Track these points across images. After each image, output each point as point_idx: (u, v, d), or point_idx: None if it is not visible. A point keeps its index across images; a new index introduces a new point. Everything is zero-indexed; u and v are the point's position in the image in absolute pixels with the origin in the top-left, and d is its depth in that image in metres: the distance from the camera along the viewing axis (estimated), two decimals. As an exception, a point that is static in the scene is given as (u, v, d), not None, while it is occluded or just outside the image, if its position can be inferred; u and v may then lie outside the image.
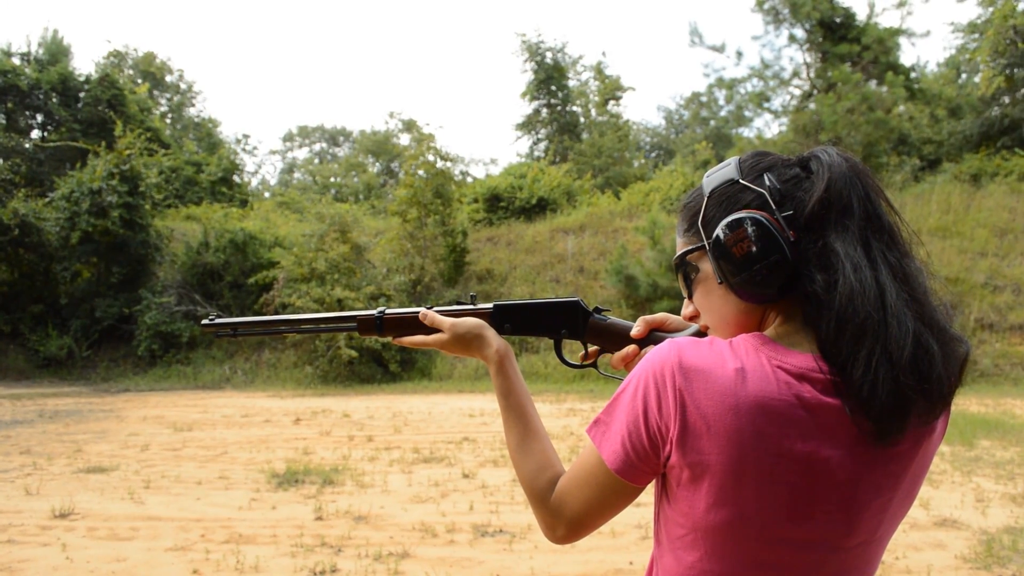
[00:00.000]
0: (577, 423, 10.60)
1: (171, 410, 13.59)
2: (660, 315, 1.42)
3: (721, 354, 0.97)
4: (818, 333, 0.97)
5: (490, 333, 1.38)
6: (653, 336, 1.39)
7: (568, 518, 1.09)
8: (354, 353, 17.06)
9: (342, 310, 17.85)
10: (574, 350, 1.47)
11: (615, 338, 1.43)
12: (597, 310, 1.45)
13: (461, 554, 5.03)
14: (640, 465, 1.00)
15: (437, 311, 1.45)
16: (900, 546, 5.05)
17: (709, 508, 0.97)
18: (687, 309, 1.20)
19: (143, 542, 5.37)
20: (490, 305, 1.46)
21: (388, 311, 1.50)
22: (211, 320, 1.58)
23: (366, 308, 18.00)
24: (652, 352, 1.01)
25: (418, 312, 1.46)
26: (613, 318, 1.44)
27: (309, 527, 5.69)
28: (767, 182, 1.04)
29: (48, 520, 5.97)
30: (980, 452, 8.22)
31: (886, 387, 0.91)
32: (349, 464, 8.00)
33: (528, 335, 1.47)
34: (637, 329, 1.40)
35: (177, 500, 6.59)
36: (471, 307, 1.46)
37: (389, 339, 1.51)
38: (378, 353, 17.82)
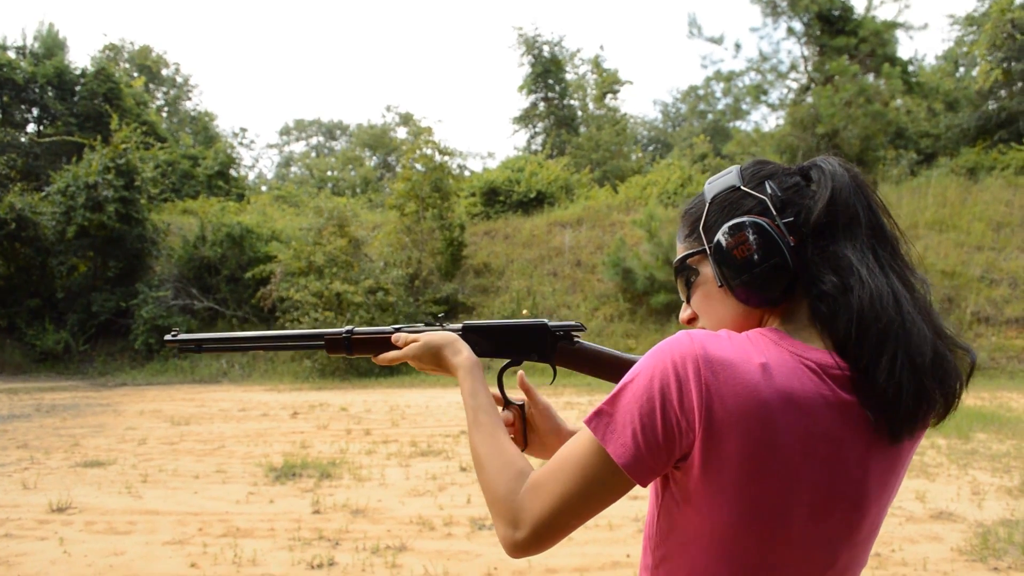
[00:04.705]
0: (574, 416, 10.60)
1: (168, 404, 13.59)
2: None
3: (744, 347, 0.95)
4: (833, 334, 0.97)
5: (461, 343, 1.38)
6: (606, 355, 1.40)
7: (538, 515, 1.00)
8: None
9: (340, 304, 17.94)
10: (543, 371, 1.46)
11: (584, 362, 1.42)
12: (568, 334, 1.43)
13: (459, 547, 5.04)
14: (650, 461, 0.95)
15: (408, 329, 1.46)
16: (896, 539, 5.06)
17: (731, 508, 0.94)
18: (685, 312, 1.20)
19: (141, 536, 5.37)
20: (459, 325, 1.46)
21: (357, 329, 1.49)
22: (174, 336, 1.56)
23: (364, 301, 18.04)
24: (667, 342, 0.97)
25: (389, 332, 1.46)
26: (583, 341, 1.42)
27: (307, 520, 5.69)
28: (768, 189, 1.06)
29: (45, 514, 5.97)
30: (976, 445, 8.24)
31: (910, 390, 0.92)
32: (347, 458, 8.00)
33: (496, 356, 1.46)
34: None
35: (175, 494, 6.59)
36: (440, 328, 1.45)
37: (359, 357, 1.51)
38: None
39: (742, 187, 1.08)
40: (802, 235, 1.02)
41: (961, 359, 1.00)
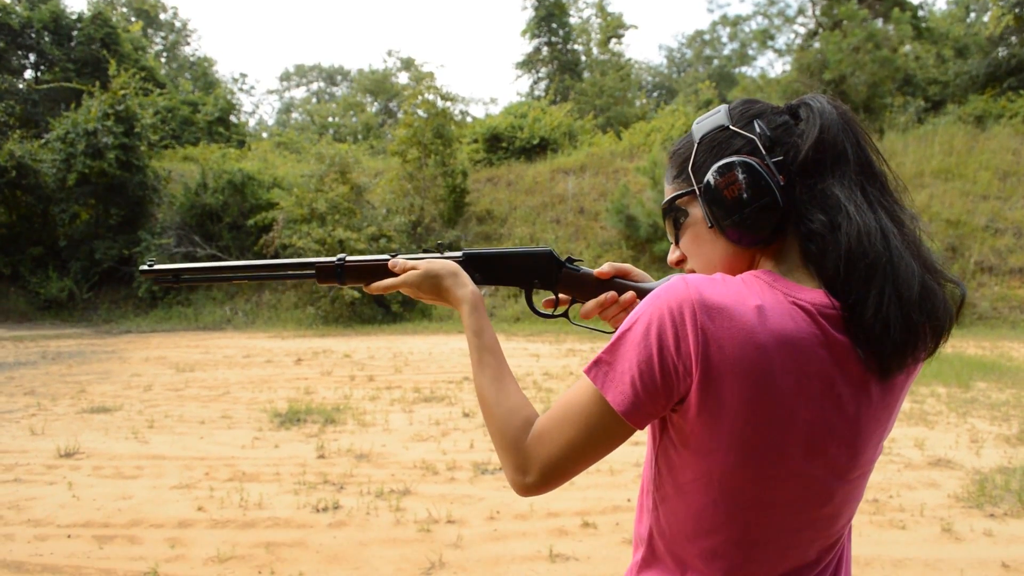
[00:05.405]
0: (577, 363, 10.68)
1: (173, 351, 13.68)
2: (626, 265, 1.41)
3: (739, 291, 0.96)
4: (823, 272, 0.97)
5: (465, 276, 1.34)
6: (615, 283, 1.38)
7: (544, 462, 1.03)
8: (356, 294, 17.13)
9: (343, 250, 17.93)
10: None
11: (588, 288, 1.40)
12: (570, 260, 1.42)
13: (461, 491, 5.10)
14: (648, 407, 0.97)
15: (405, 257, 1.40)
16: (894, 485, 5.12)
17: (728, 449, 0.96)
18: (673, 254, 1.19)
19: (148, 480, 5.45)
20: (460, 253, 1.41)
21: (349, 258, 1.42)
22: (150, 266, 1.47)
23: (367, 249, 18.03)
24: (663, 288, 0.98)
25: (385, 259, 1.40)
26: (585, 268, 1.41)
27: (311, 465, 5.76)
28: (757, 128, 1.05)
29: (54, 459, 6.04)
30: (976, 394, 8.29)
31: (897, 325, 0.92)
32: (350, 403, 8.08)
33: (499, 284, 1.43)
34: (602, 270, 1.39)
35: (180, 439, 6.66)
36: (440, 256, 1.40)
37: (353, 287, 1.44)
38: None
39: (731, 126, 1.07)
40: (791, 174, 1.02)
41: (951, 293, 1.00)
